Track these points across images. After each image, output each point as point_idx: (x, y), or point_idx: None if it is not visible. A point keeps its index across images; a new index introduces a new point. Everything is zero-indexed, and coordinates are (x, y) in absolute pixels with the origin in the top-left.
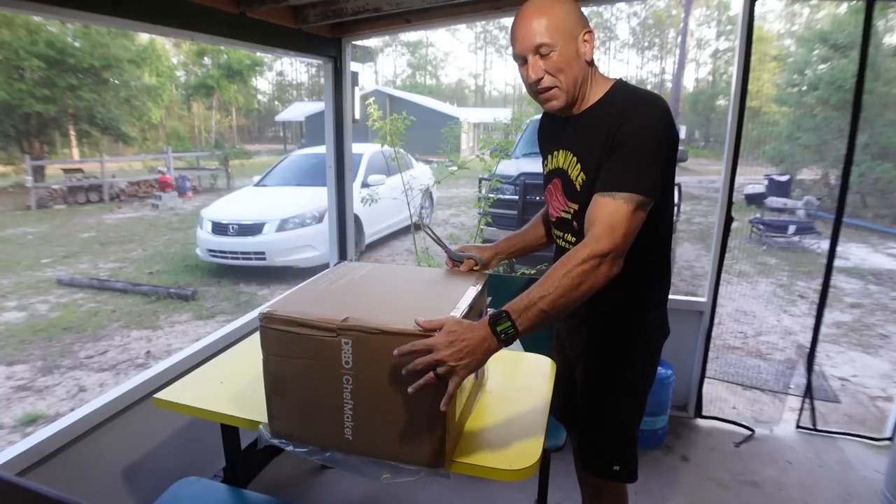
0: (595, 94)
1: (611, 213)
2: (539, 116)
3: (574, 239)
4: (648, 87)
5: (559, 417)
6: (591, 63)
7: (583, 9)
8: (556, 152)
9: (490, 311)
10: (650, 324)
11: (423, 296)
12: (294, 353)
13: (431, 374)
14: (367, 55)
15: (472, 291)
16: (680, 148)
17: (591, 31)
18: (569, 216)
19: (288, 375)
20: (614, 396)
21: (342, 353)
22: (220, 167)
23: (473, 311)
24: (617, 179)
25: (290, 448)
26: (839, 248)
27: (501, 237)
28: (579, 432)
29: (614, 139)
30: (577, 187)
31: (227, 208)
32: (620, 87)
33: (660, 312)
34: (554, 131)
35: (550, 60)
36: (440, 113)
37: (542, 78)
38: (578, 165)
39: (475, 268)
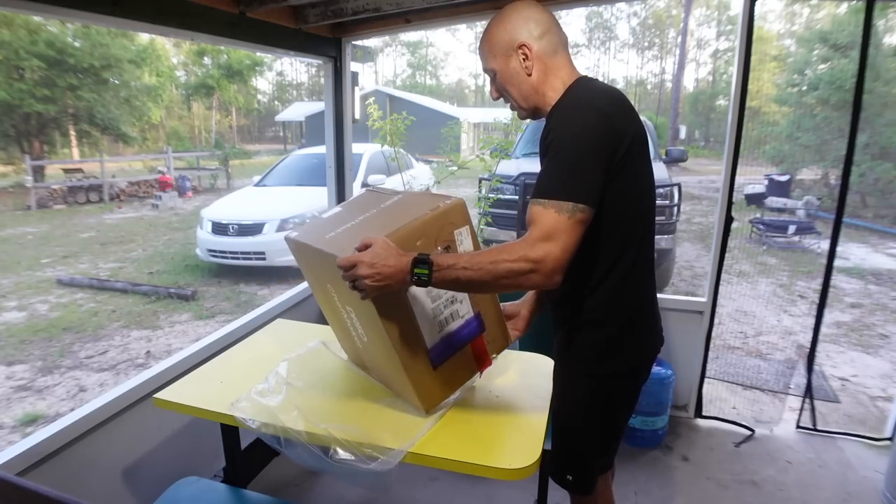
0: (555, 96)
1: (546, 220)
2: None
3: None
4: (648, 88)
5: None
6: (530, 73)
7: (583, 9)
8: None
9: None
10: (593, 344)
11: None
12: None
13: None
14: (367, 55)
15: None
16: (680, 148)
17: (524, 45)
18: None
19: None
20: (563, 410)
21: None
22: (220, 167)
23: (428, 239)
24: (546, 186)
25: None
26: (839, 248)
27: (502, 237)
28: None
29: (547, 143)
30: None
31: (227, 208)
32: (572, 87)
33: (607, 333)
34: None
35: (497, 83)
36: (440, 113)
37: (497, 97)
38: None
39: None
